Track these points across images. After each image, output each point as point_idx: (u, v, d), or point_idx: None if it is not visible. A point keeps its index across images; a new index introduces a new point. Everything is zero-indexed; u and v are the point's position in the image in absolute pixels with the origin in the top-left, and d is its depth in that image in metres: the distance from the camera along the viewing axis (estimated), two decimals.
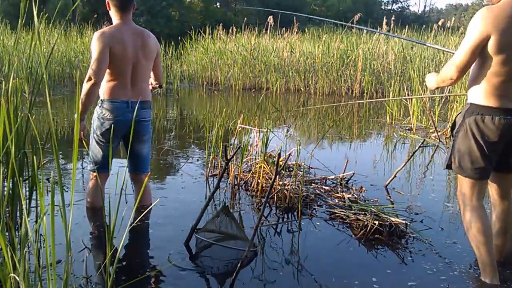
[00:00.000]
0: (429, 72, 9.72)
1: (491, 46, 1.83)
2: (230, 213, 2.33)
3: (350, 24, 4.13)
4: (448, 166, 2.07)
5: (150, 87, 2.84)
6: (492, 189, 2.14)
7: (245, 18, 13.66)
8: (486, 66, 1.88)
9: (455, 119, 2.08)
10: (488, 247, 1.95)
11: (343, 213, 2.76)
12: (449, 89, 6.62)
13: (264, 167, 3.26)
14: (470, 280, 2.07)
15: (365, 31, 11.65)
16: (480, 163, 1.95)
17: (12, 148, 1.74)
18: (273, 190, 3.01)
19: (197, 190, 3.33)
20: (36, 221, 2.42)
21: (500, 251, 2.15)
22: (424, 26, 13.10)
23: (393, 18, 11.93)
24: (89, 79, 2.37)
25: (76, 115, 1.27)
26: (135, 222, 2.51)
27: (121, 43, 2.43)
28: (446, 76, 2.01)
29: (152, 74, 2.78)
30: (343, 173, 3.53)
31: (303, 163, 3.60)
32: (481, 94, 1.91)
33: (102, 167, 2.57)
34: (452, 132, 2.09)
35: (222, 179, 3.43)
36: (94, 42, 2.39)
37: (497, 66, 1.85)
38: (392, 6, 42.28)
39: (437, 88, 2.20)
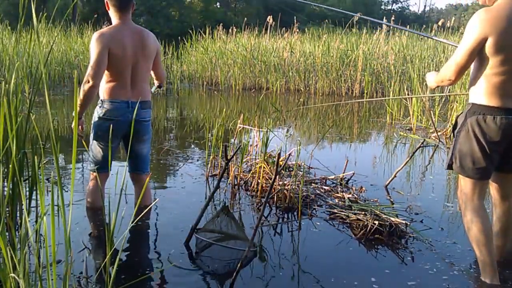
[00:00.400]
0: (429, 72, 9.73)
1: (489, 47, 1.84)
2: (230, 213, 2.33)
3: (366, 17, 3.94)
4: (449, 166, 2.07)
5: (154, 87, 2.86)
6: (493, 189, 2.14)
7: (245, 18, 13.66)
8: (486, 66, 1.89)
9: (456, 119, 2.08)
10: (488, 247, 1.95)
11: (343, 213, 2.76)
12: (449, 89, 6.62)
13: (264, 167, 3.26)
14: (470, 280, 2.07)
15: (364, 31, 11.64)
16: (482, 163, 1.95)
17: (14, 148, 1.74)
18: (273, 190, 3.01)
19: (197, 190, 3.33)
20: (36, 221, 2.42)
21: (500, 251, 2.15)
22: (424, 26, 13.10)
23: (393, 18, 11.92)
24: (87, 81, 2.37)
25: (74, 113, 1.27)
26: (135, 222, 2.51)
27: (120, 44, 2.43)
28: (444, 77, 2.03)
29: (153, 74, 2.78)
30: (343, 173, 3.53)
31: (303, 163, 3.60)
32: (482, 94, 1.92)
33: (102, 167, 2.57)
34: (453, 132, 2.09)
35: (222, 179, 3.43)
36: (93, 43, 2.39)
37: (497, 67, 1.86)
38: (392, 6, 42.30)
39: (437, 87, 2.21)
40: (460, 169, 2.02)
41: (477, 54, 1.89)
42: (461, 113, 2.06)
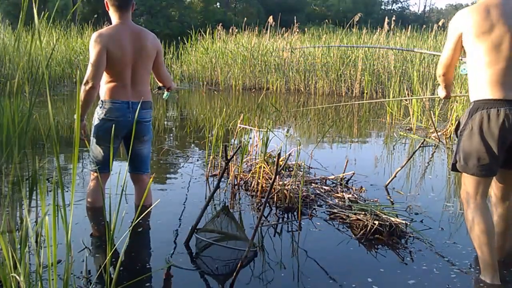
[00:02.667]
0: (429, 72, 9.75)
1: (469, 36, 1.94)
2: (230, 213, 2.33)
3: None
4: (453, 166, 2.06)
5: (166, 93, 2.84)
6: (494, 188, 2.13)
7: (245, 18, 13.66)
8: (477, 59, 1.93)
9: (459, 120, 2.09)
10: (490, 247, 1.94)
11: (343, 213, 2.76)
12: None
13: (264, 167, 3.26)
14: (471, 279, 2.07)
15: (365, 31, 11.65)
16: (487, 160, 1.93)
17: (16, 148, 1.74)
18: (273, 190, 3.02)
19: (197, 190, 3.33)
20: (36, 222, 2.42)
21: (500, 251, 2.15)
22: (424, 26, 13.11)
23: (393, 18, 11.93)
24: (87, 82, 2.37)
25: (75, 116, 1.27)
26: (136, 222, 2.51)
27: (119, 44, 2.43)
28: (437, 75, 2.24)
29: (155, 75, 2.77)
30: (343, 173, 3.53)
31: (303, 163, 3.60)
32: (482, 88, 1.93)
33: (103, 167, 2.57)
34: (456, 133, 2.09)
35: (222, 179, 3.44)
36: (92, 44, 2.40)
37: (487, 56, 1.90)
38: (392, 6, 42.31)
39: (446, 96, 2.35)
40: (465, 167, 2.01)
41: (464, 49, 2.01)
42: (463, 114, 2.07)
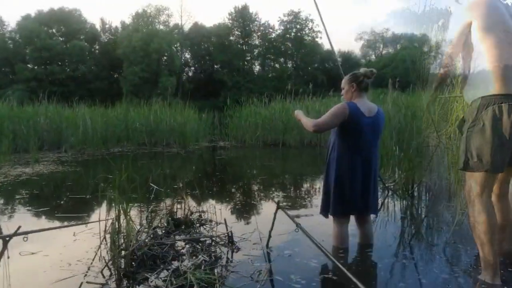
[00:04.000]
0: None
1: (476, 30, 1.95)
2: None
3: None
4: (465, 164, 1.99)
5: None
6: (495, 184, 2.11)
7: None
8: (484, 54, 1.92)
9: (463, 117, 2.05)
10: (492, 247, 1.92)
11: None
12: (449, 90, 6.62)
13: None
14: (471, 279, 2.06)
15: None
16: (500, 155, 1.90)
17: None
18: None
19: None
20: None
21: (500, 247, 2.13)
22: (424, 26, 13.13)
23: None
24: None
25: None
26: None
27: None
28: (443, 66, 2.19)
29: None
30: None
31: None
32: (490, 84, 1.91)
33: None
34: (460, 130, 2.05)
35: None
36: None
37: (491, 51, 1.89)
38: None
39: (439, 84, 2.29)
40: (478, 164, 1.95)
41: (475, 44, 1.98)
42: (468, 111, 2.02)
